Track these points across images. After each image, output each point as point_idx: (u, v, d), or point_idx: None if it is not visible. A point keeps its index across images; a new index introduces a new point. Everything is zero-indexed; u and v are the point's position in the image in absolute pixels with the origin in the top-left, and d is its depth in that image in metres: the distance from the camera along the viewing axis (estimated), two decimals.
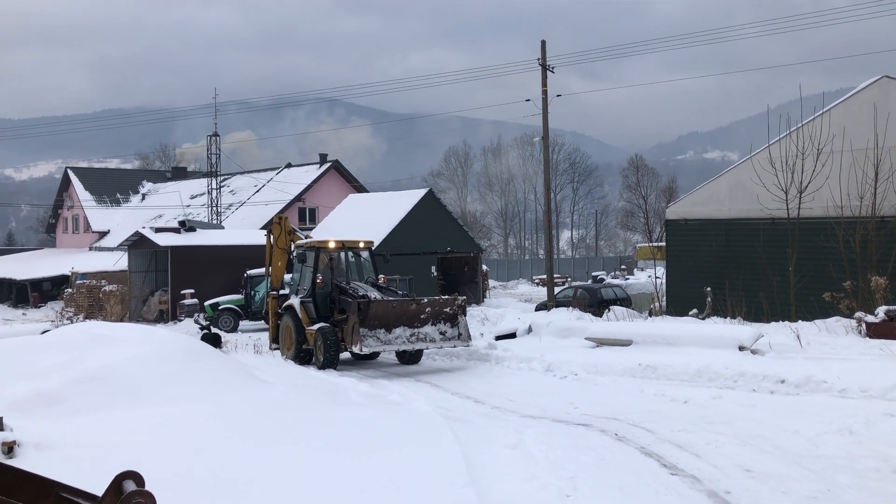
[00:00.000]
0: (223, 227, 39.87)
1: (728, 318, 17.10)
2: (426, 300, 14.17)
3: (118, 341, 9.69)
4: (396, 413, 8.49)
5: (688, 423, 8.41)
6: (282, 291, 17.93)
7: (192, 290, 31.73)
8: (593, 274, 50.00)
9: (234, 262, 32.89)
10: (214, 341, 17.05)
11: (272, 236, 17.52)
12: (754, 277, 18.21)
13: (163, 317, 32.29)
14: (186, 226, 34.88)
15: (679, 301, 20.97)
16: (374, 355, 15.15)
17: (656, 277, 24.84)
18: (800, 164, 17.16)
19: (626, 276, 44.68)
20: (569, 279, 50.40)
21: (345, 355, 14.85)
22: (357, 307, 13.40)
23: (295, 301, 15.73)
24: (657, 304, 22.97)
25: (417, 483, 5.58)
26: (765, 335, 13.08)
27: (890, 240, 15.78)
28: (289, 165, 50.47)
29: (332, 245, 16.04)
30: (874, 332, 13.15)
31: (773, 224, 18.56)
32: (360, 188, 47.54)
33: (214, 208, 44.31)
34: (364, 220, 34.65)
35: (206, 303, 29.57)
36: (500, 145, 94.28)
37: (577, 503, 5.43)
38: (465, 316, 14.62)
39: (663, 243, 25.69)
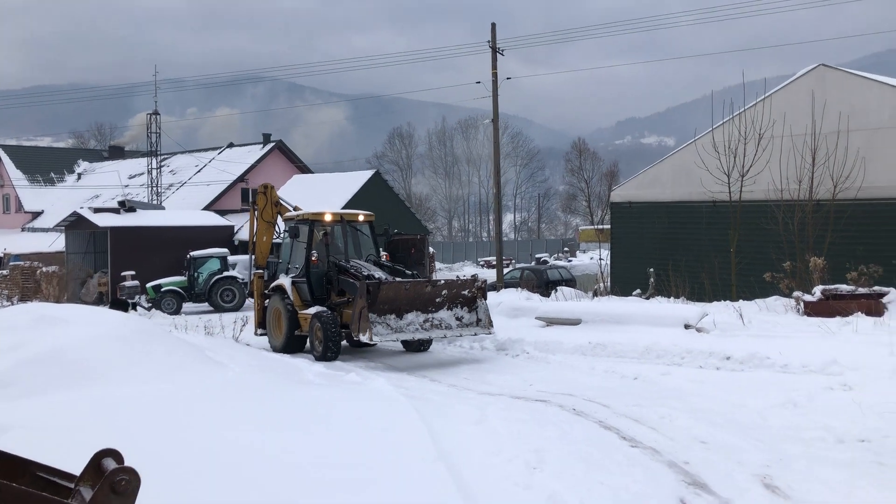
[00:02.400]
0: (164, 208, 39.03)
1: (672, 297, 17.56)
2: (443, 282, 12.71)
3: (67, 323, 9.43)
4: (357, 392, 8.52)
5: (641, 399, 8.66)
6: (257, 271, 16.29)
7: (133, 272, 30.99)
8: (537, 256, 50.67)
9: (177, 243, 32.29)
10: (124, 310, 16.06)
11: (256, 208, 16.16)
12: (697, 258, 18.73)
13: (102, 299, 31.49)
14: (126, 206, 34.00)
15: (623, 282, 21.44)
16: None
17: (601, 259, 25.32)
18: (742, 149, 17.66)
19: (570, 259, 45.39)
20: (513, 261, 50.89)
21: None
22: (366, 289, 11.77)
23: (285, 281, 14.32)
24: (601, 284, 23.42)
25: (388, 459, 5.63)
26: (709, 314, 13.48)
27: (826, 222, 16.40)
28: (231, 145, 49.53)
29: (328, 217, 14.49)
30: (812, 310, 13.67)
31: (715, 207, 19.08)
32: (304, 168, 46.99)
33: (154, 188, 43.26)
34: (311, 201, 34.21)
35: (148, 284, 28.97)
36: (444, 128, 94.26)
37: (545, 475, 5.56)
38: (486, 299, 13.08)
39: (607, 226, 26.17)
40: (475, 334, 12.77)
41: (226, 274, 29.64)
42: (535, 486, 5.34)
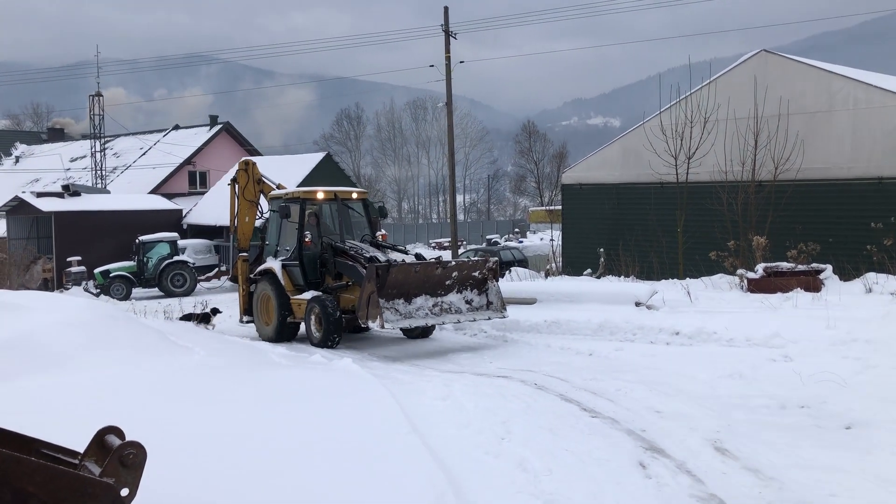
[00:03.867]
0: (109, 192, 38.32)
1: (622, 276, 18.11)
2: (453, 263, 12.02)
3: (27, 309, 9.38)
4: (324, 371, 8.73)
5: (597, 373, 9.06)
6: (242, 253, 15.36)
7: (79, 258, 30.55)
8: (487, 237, 51.15)
9: (123, 227, 31.92)
10: (205, 319, 15.13)
11: (237, 186, 15.33)
12: (645, 238, 19.29)
13: (47, 285, 30.88)
14: (70, 190, 33.34)
15: (574, 262, 21.95)
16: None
17: (552, 239, 25.86)
18: (688, 132, 18.22)
19: (521, 239, 45.99)
20: (464, 242, 51.31)
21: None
22: (375, 273, 10.95)
23: (275, 265, 13.47)
24: (553, 264, 23.93)
25: (363, 433, 5.88)
26: (658, 291, 13.98)
27: (767, 202, 17.07)
28: (176, 127, 48.70)
29: (320, 196, 13.59)
30: (755, 286, 14.29)
31: (663, 188, 19.66)
32: (253, 151, 46.49)
33: (99, 172, 42.35)
34: None
35: (97, 270, 28.61)
36: (393, 109, 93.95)
37: (513, 444, 5.89)
38: (498, 281, 12.50)
39: (557, 207, 26.67)
40: (489, 318, 12.22)
41: (176, 258, 29.41)
42: (504, 454, 5.67)
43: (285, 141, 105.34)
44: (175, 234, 30.90)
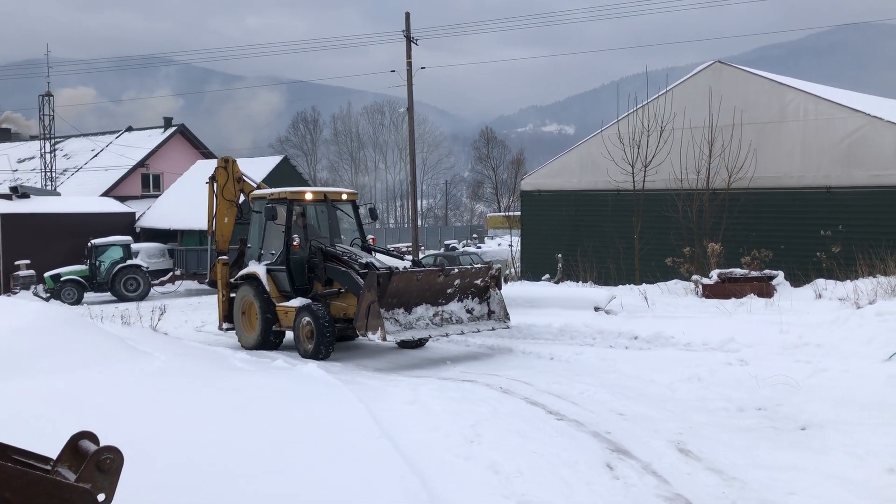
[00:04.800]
0: (59, 194, 37.44)
1: (580, 281, 18.36)
2: (456, 270, 11.43)
3: None
4: (289, 376, 8.70)
5: (559, 377, 9.21)
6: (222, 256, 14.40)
7: (28, 261, 29.80)
8: (446, 242, 51.31)
9: (74, 230, 31.26)
10: None
11: (216, 184, 14.40)
12: (603, 244, 19.59)
13: None
14: (19, 192, 32.49)
15: (533, 267, 22.17)
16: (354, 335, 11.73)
17: (510, 245, 26.09)
18: (645, 140, 18.58)
19: (479, 245, 46.23)
20: (422, 247, 51.33)
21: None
22: (375, 281, 10.30)
23: (259, 269, 12.70)
24: (511, 269, 24.14)
25: (334, 438, 5.89)
26: (616, 297, 14.22)
27: (721, 210, 17.50)
28: (129, 129, 47.80)
29: (309, 196, 12.89)
30: (710, 292, 14.63)
31: (620, 195, 19.99)
32: (208, 154, 45.86)
33: (49, 173, 41.36)
34: None
35: (46, 274, 27.90)
36: (350, 113, 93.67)
37: (483, 447, 5.97)
38: (500, 289, 12.03)
39: (515, 213, 26.89)
40: (492, 328, 11.73)
41: (129, 262, 28.87)
42: (475, 456, 5.75)
43: (244, 144, 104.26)
44: (128, 238, 30.35)
